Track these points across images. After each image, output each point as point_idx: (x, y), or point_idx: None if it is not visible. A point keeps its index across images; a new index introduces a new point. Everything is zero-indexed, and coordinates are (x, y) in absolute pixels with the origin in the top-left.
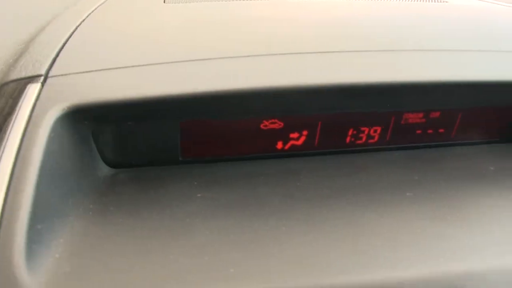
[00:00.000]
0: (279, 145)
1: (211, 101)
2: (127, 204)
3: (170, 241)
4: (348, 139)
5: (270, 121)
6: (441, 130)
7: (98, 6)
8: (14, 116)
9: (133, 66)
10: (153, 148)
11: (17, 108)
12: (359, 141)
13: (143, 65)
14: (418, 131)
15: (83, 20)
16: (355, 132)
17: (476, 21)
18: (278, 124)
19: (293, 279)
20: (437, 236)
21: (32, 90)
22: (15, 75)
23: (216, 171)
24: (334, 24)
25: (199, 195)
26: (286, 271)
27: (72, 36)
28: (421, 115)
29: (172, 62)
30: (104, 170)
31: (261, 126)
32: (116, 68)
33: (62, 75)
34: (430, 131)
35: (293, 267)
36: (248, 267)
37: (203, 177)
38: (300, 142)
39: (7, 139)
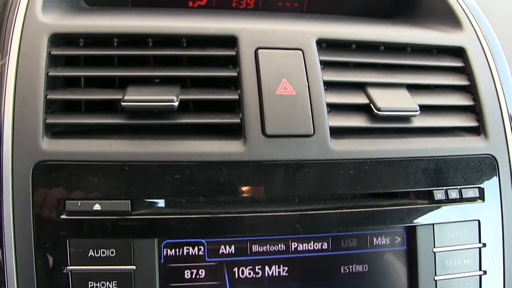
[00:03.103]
0: (190, 3)
1: None
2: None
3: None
4: (233, 4)
5: None
6: (295, 4)
7: None
8: None
9: None
10: None
11: None
12: (241, 6)
13: None
14: (280, 3)
15: None
16: None
17: None
18: None
19: None
20: None
21: None
22: None
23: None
24: None
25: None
26: None
27: None
28: None
29: None
30: (84, 5)
31: None
32: None
33: None
34: (288, 4)
35: None
36: None
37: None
38: (203, 2)
39: None
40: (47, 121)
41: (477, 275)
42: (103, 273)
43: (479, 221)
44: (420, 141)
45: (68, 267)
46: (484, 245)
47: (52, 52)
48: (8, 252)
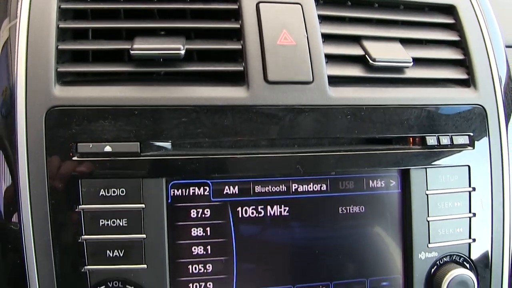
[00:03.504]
0: None
1: None
2: None
3: None
4: None
5: None
6: None
7: None
8: None
9: None
10: None
11: None
12: None
13: None
14: None
15: None
16: None
17: None
18: None
19: None
20: None
21: None
22: None
23: None
24: None
25: None
26: None
27: None
28: None
29: None
30: None
31: None
32: None
33: None
34: None
35: None
36: None
37: None
38: None
39: None
40: (58, 69)
41: (467, 217)
42: (114, 211)
43: (469, 166)
44: (413, 90)
45: (80, 206)
46: (474, 189)
47: (61, 6)
48: (23, 193)
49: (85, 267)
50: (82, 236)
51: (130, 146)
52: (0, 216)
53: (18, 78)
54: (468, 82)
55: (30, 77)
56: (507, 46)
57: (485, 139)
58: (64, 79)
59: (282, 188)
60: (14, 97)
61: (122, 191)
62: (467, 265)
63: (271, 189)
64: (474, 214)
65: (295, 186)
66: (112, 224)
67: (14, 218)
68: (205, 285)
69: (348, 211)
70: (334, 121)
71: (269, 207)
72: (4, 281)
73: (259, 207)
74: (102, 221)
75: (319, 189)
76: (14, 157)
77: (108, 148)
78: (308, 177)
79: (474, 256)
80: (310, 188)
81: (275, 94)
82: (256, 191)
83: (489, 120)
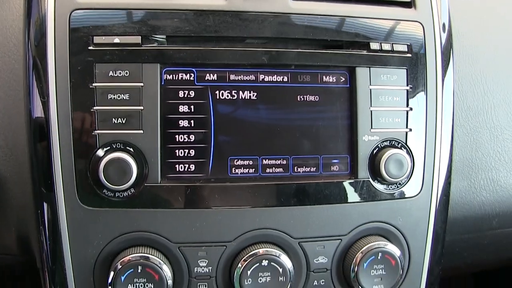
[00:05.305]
0: None
1: None
2: None
3: None
4: None
5: None
6: None
7: None
8: None
9: None
10: None
11: None
12: None
13: None
14: None
15: None
16: None
17: None
18: None
19: None
20: None
21: None
22: None
23: None
24: None
25: None
26: None
27: None
28: None
29: None
30: None
31: None
32: None
33: None
34: None
35: None
36: None
37: None
38: None
39: None
40: None
41: (405, 110)
42: (119, 88)
43: (407, 69)
44: (363, 7)
45: (94, 84)
46: (411, 88)
47: None
48: (50, 73)
49: (95, 131)
50: (94, 107)
51: (134, 39)
52: (32, 90)
53: None
54: (410, 4)
55: None
56: None
57: (422, 48)
58: None
59: (251, 78)
60: (45, 2)
61: (126, 73)
62: (404, 150)
63: (242, 77)
64: (411, 109)
65: (262, 76)
66: (117, 98)
67: (43, 91)
68: (188, 151)
69: (305, 99)
70: (294, 26)
71: (240, 92)
72: (31, 140)
73: (233, 91)
74: (110, 96)
75: (281, 80)
76: (45, 48)
77: (116, 40)
78: (272, 69)
79: (410, 142)
80: (274, 78)
81: (246, 3)
82: (231, 78)
83: (426, 34)
